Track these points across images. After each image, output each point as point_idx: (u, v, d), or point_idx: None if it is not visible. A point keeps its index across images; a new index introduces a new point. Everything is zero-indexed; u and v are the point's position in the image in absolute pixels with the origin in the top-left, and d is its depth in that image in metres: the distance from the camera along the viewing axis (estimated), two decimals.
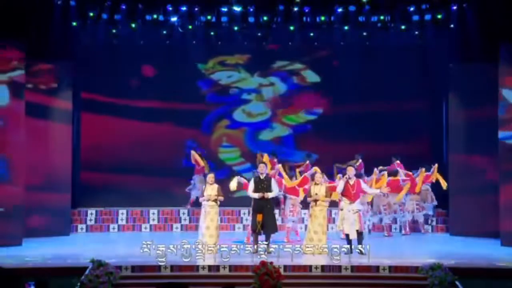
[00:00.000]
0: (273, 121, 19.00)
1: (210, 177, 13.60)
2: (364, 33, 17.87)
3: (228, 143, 19.00)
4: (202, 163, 17.45)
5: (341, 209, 13.45)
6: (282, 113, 18.99)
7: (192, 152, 17.58)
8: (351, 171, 13.52)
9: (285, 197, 15.75)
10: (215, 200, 13.40)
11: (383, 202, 16.33)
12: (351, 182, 13.38)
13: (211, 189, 13.42)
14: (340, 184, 13.63)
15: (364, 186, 13.75)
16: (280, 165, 15.76)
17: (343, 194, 13.38)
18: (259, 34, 17.90)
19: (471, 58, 16.30)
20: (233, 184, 14.47)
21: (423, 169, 16.23)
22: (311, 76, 18.94)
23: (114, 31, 17.68)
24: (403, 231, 16.60)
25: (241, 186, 14.63)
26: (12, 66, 14.79)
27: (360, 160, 17.19)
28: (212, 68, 18.97)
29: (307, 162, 16.92)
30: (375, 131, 18.24)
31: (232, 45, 18.45)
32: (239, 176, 15.10)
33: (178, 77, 18.52)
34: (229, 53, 18.92)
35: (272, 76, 19.01)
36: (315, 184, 13.60)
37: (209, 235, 13.21)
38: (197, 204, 16.74)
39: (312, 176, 14.69)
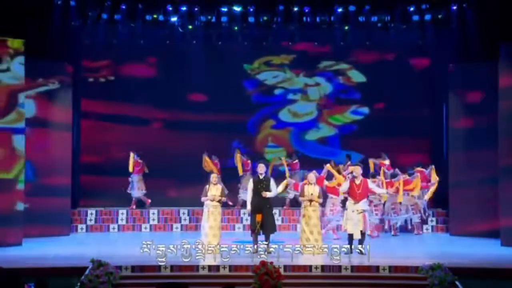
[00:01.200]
0: (319, 121, 18.96)
1: (214, 177, 13.58)
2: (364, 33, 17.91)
3: (274, 143, 19.00)
4: (131, 164, 17.59)
5: (346, 209, 13.41)
6: (328, 113, 18.96)
7: (131, 154, 17.66)
8: (357, 170, 13.42)
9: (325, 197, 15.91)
10: (219, 201, 13.40)
11: (410, 202, 16.41)
12: (357, 181, 13.26)
13: (215, 190, 13.41)
14: (345, 183, 13.58)
15: (371, 185, 13.68)
16: (328, 165, 15.91)
17: (348, 193, 13.35)
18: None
19: (471, 58, 16.30)
20: (281, 188, 14.09)
21: (433, 166, 16.60)
22: (357, 76, 18.91)
23: (114, 31, 17.69)
24: (415, 231, 16.62)
25: (285, 187, 14.84)
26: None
27: (297, 161, 17.57)
28: (258, 68, 18.97)
29: (296, 160, 17.56)
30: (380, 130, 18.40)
31: (277, 45, 18.43)
32: (289, 178, 15.61)
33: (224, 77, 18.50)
34: (275, 53, 18.88)
35: (318, 76, 18.98)
36: (309, 183, 13.55)
37: (213, 234, 13.22)
38: (141, 205, 17.49)
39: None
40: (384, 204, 16.26)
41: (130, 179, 17.74)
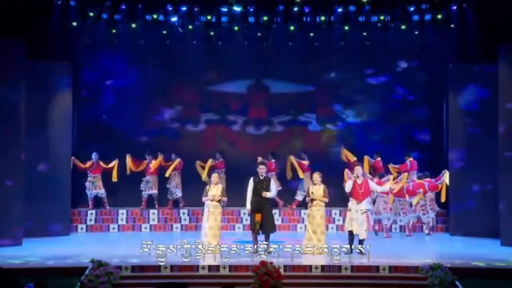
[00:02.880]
0: (383, 120, 18.75)
1: (215, 176, 13.58)
2: (364, 33, 17.89)
3: (337, 142, 18.79)
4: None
5: (349, 210, 13.39)
6: (391, 113, 18.75)
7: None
8: (358, 170, 13.45)
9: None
10: (219, 201, 13.41)
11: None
12: (359, 181, 13.28)
13: (216, 189, 13.41)
14: (348, 183, 13.59)
15: (372, 185, 13.73)
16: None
17: (351, 194, 13.34)
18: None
19: (471, 58, 16.31)
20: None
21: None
22: (420, 77, 18.71)
23: (114, 31, 17.69)
24: (426, 231, 16.69)
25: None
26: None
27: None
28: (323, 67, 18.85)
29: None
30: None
31: (334, 45, 18.30)
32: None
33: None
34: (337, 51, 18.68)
35: (382, 76, 18.83)
36: (313, 184, 13.58)
37: (212, 234, 13.22)
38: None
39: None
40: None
41: (88, 178, 17.51)
